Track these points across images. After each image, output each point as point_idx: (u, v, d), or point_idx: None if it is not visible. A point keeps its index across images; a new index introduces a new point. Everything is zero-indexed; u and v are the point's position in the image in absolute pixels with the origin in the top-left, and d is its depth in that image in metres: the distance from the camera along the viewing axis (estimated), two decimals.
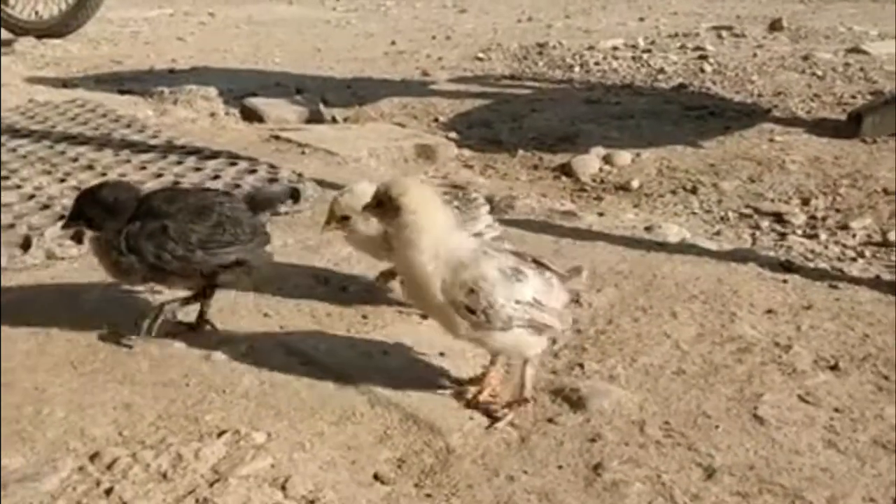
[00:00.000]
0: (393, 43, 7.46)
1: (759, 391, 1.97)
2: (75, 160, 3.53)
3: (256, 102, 4.97)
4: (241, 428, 1.82)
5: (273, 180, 3.21)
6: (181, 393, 1.98)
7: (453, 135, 4.68)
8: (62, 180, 3.24)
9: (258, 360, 2.12)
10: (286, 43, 7.69)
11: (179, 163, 3.47)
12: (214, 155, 3.55)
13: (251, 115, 4.83)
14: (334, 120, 5.03)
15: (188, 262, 2.12)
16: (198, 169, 3.36)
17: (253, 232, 2.19)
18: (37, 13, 7.95)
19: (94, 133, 3.97)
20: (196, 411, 1.91)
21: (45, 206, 2.95)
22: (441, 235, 1.80)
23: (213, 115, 4.92)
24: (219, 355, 2.14)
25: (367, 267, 2.66)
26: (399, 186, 1.82)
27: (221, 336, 2.23)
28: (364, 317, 2.35)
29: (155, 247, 2.09)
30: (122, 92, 5.53)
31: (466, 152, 4.39)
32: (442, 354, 2.15)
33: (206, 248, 2.13)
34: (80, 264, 2.66)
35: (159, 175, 3.29)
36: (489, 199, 2.29)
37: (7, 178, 3.29)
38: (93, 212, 2.13)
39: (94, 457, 1.74)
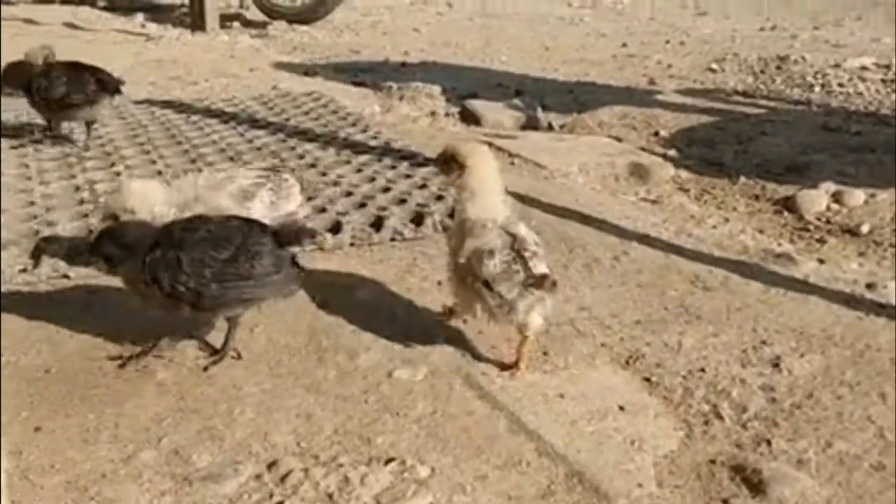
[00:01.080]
0: (624, 45, 7.30)
1: None
2: (301, 157, 3.75)
3: (476, 105, 5.04)
4: (407, 458, 1.86)
5: None
6: (358, 410, 2.06)
7: (672, 152, 4.51)
8: None
9: (435, 385, 2.16)
10: (516, 39, 7.73)
11: (393, 167, 3.59)
12: (426, 162, 3.64)
13: (469, 118, 4.92)
14: (550, 127, 5.00)
15: (202, 295, 2.10)
16: (408, 176, 3.45)
17: (275, 266, 2.15)
18: None
19: (323, 130, 4.20)
20: (369, 431, 1.97)
21: None
22: (488, 200, 2.20)
23: (433, 114, 5.05)
24: (399, 375, 2.20)
25: (559, 297, 2.63)
26: (468, 149, 2.25)
27: (405, 355, 2.29)
28: (545, 353, 2.33)
29: (171, 277, 2.08)
30: (355, 83, 5.82)
31: (683, 174, 4.21)
32: (621, 408, 2.09)
33: (221, 282, 2.10)
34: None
35: (372, 179, 3.42)
36: (300, 181, 2.64)
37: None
38: (110, 250, 2.14)
39: (271, 465, 1.85)
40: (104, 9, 8.90)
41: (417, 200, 3.18)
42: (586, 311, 2.57)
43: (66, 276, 2.63)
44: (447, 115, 5.04)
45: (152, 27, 8.00)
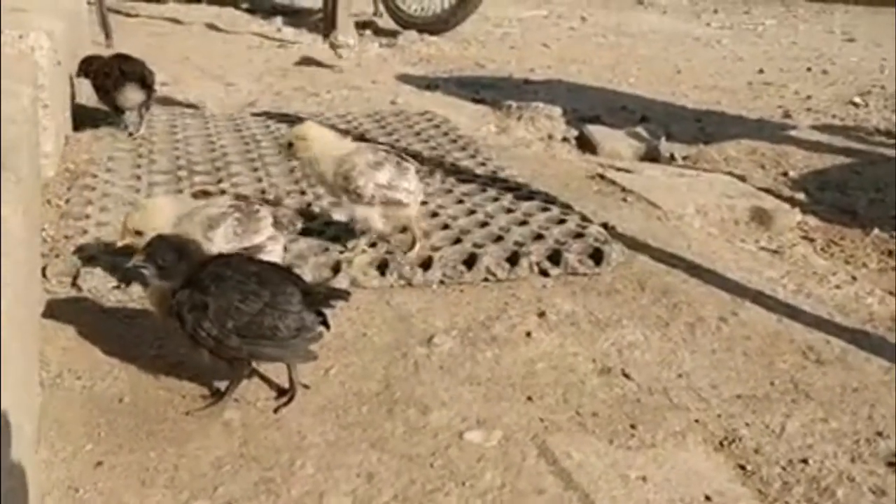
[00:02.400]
0: (761, 71, 6.93)
1: None
2: None
3: (594, 131, 4.86)
4: None
5: (579, 235, 3.08)
6: (422, 474, 1.95)
7: (800, 195, 4.21)
8: None
9: (507, 454, 2.03)
10: (647, 59, 7.47)
11: (495, 199, 3.46)
12: (530, 196, 3.50)
13: (585, 145, 4.75)
14: (672, 158, 4.77)
15: (222, 344, 2.08)
16: (509, 210, 3.32)
17: (298, 328, 2.10)
18: (422, 8, 8.51)
19: (431, 154, 4.10)
20: (430, 501, 1.87)
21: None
22: (328, 148, 2.84)
23: (549, 137, 4.90)
24: (471, 437, 2.09)
25: (655, 360, 2.46)
26: (301, 129, 2.89)
27: (480, 415, 2.17)
28: (633, 426, 2.16)
29: (194, 320, 2.06)
30: (475, 100, 5.73)
31: (811, 220, 3.91)
32: (708, 499, 1.90)
33: (242, 336, 2.07)
34: (376, 295, 2.75)
35: (472, 212, 3.30)
36: (273, 215, 2.56)
37: None
38: (167, 255, 2.11)
39: None
40: (247, 10, 9.17)
41: (515, 238, 3.05)
42: (683, 380, 2.38)
43: None
44: (564, 139, 4.88)
45: (288, 32, 8.16)
